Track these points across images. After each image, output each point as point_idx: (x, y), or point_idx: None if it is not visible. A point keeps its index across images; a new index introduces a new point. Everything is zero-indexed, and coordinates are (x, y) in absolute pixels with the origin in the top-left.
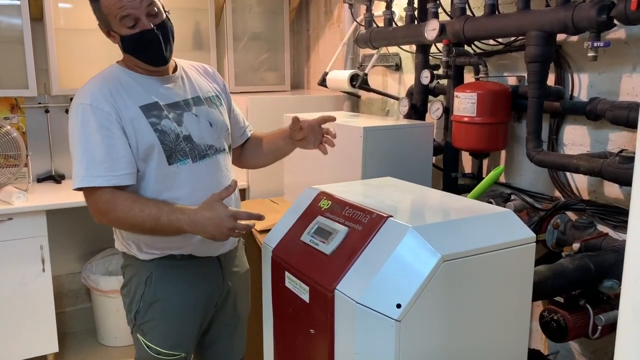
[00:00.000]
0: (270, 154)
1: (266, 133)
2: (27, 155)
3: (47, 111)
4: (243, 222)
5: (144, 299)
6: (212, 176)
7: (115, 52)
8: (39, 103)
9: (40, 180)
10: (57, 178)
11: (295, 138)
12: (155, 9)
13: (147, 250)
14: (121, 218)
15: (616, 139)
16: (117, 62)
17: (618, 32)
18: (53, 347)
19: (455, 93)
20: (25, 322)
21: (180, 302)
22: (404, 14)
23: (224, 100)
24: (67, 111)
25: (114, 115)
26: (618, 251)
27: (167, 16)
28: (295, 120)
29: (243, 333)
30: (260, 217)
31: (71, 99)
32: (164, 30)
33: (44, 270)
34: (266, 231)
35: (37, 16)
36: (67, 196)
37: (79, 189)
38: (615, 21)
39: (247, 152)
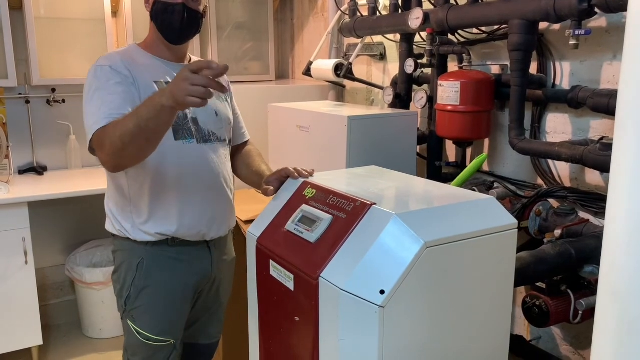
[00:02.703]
0: (247, 181)
1: (255, 159)
2: (7, 147)
3: (27, 102)
4: (206, 73)
5: (134, 285)
6: (214, 160)
7: (96, 42)
8: (19, 94)
9: (21, 172)
10: (39, 170)
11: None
12: None
13: (142, 229)
14: (114, 138)
15: (597, 127)
16: (136, 43)
17: (599, 21)
18: (37, 339)
19: (439, 82)
20: (8, 315)
21: (171, 288)
22: (388, 2)
23: (229, 98)
24: (48, 102)
25: (131, 79)
26: (599, 237)
27: (202, 15)
28: (271, 192)
29: (221, 317)
30: (224, 68)
31: (53, 89)
32: (193, 16)
33: (26, 262)
34: (251, 221)
35: (16, 5)
36: (50, 188)
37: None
38: (596, 9)
39: (239, 160)
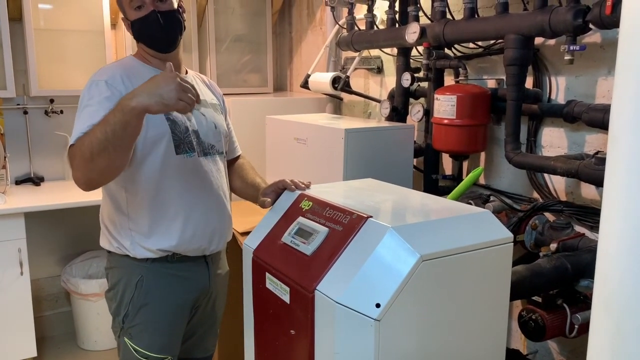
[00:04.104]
0: (242, 194)
1: (249, 172)
2: (5, 157)
3: (25, 112)
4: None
5: (133, 303)
6: (214, 173)
7: (95, 53)
8: (18, 104)
9: (18, 182)
10: (36, 180)
11: (258, 202)
12: None
13: (143, 245)
14: (83, 149)
15: (592, 141)
16: (132, 55)
17: (594, 36)
18: (31, 351)
19: (436, 95)
20: (2, 327)
21: (170, 305)
22: (385, 17)
23: (223, 111)
24: (46, 112)
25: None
26: (594, 251)
27: (179, 10)
28: (268, 203)
29: (217, 330)
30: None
31: (51, 100)
32: (169, 17)
33: (22, 273)
34: (248, 233)
35: (16, 16)
36: (46, 198)
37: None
38: (590, 25)
39: (233, 174)
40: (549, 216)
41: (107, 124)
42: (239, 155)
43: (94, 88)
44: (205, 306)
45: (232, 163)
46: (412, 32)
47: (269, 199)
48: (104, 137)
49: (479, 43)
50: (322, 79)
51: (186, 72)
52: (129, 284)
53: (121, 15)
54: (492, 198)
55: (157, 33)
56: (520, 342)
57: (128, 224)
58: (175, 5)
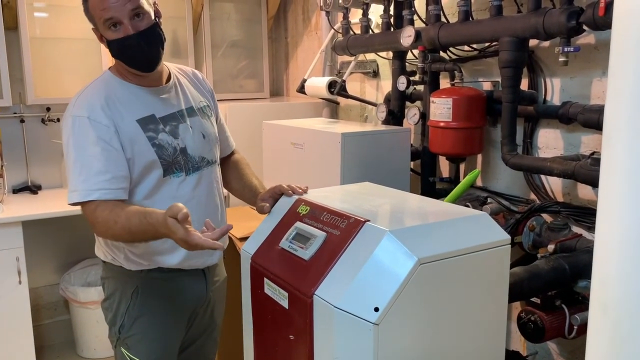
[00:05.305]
0: (239, 195)
1: (246, 172)
2: (2, 166)
3: (22, 121)
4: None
5: (129, 313)
6: (205, 188)
7: (91, 61)
8: (14, 113)
9: (16, 191)
10: (33, 189)
11: (257, 208)
12: (141, 13)
13: (135, 260)
14: (104, 232)
15: (588, 142)
16: (110, 68)
17: (588, 38)
18: None
19: (431, 99)
20: (1, 336)
21: (166, 315)
22: (380, 21)
23: (212, 110)
24: (43, 121)
25: (113, 128)
26: (592, 252)
27: (157, 22)
28: (267, 209)
29: (216, 337)
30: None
31: (47, 108)
32: (150, 35)
33: (20, 282)
34: (246, 238)
35: (12, 25)
36: (44, 207)
37: (75, 204)
38: (584, 27)
39: (229, 173)
40: (547, 217)
41: (132, 233)
42: (233, 151)
43: (77, 127)
44: (203, 314)
45: (227, 160)
46: (407, 36)
47: (267, 205)
48: (130, 239)
49: (474, 46)
50: (318, 83)
51: (169, 76)
52: (125, 294)
53: (92, 26)
54: (489, 200)
55: (139, 56)
56: (519, 344)
57: (121, 243)
58: (153, 16)
